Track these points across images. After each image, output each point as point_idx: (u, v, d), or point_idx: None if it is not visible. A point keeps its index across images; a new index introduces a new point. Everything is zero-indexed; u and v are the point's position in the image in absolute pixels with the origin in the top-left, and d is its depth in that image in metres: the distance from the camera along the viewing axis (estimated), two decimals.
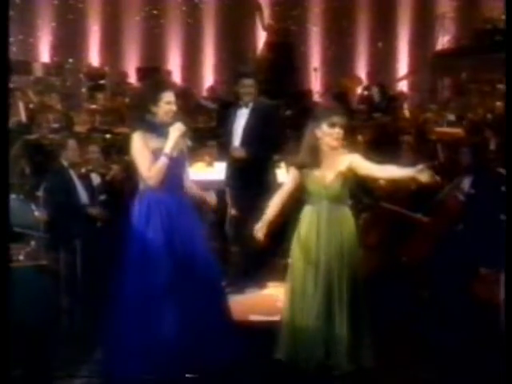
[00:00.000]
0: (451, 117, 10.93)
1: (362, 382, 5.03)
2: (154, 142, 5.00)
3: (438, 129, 10.35)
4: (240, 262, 7.44)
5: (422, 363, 5.35)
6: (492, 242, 6.05)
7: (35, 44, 13.92)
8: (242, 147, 7.19)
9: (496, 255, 5.69)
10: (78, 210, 7.11)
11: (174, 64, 14.23)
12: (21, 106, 10.46)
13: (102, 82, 13.24)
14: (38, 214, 6.86)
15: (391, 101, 12.09)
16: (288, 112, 10.96)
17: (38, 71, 13.21)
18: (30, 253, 6.31)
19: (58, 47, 13.87)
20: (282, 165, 7.46)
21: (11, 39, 11.82)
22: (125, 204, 5.32)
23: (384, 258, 6.89)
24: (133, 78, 13.64)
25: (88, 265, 6.63)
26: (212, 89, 13.44)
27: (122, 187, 7.53)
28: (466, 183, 6.98)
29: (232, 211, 7.49)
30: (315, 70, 13.98)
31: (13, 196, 6.50)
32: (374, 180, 6.11)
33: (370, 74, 13.93)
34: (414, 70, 14.28)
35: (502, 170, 6.59)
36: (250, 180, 7.15)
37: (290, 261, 5.24)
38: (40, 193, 7.04)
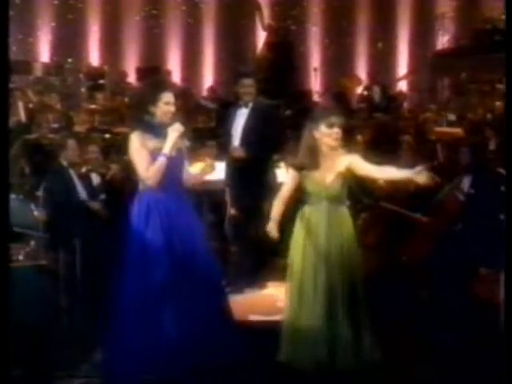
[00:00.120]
0: (451, 117, 10.95)
1: (361, 382, 5.03)
2: (153, 142, 5.00)
3: (438, 129, 10.35)
4: (240, 261, 7.43)
5: (421, 363, 5.34)
6: (492, 242, 6.05)
7: (35, 44, 13.93)
8: (241, 147, 7.19)
9: (496, 255, 5.68)
10: (78, 210, 7.11)
11: (173, 64, 14.24)
12: (20, 105, 10.46)
13: (101, 81, 13.25)
14: (38, 213, 6.86)
15: (391, 101, 12.10)
16: (288, 112, 10.97)
17: (38, 71, 13.23)
18: (29, 253, 6.32)
19: (58, 47, 13.88)
20: (282, 165, 7.46)
21: (11, 39, 11.81)
22: (124, 204, 5.31)
23: (384, 258, 6.88)
24: (132, 78, 13.65)
25: (88, 265, 6.63)
26: (212, 89, 13.45)
27: (121, 187, 7.53)
28: (466, 183, 6.97)
29: (231, 211, 7.50)
30: (315, 69, 14.00)
31: (12, 196, 6.50)
32: (374, 180, 6.10)
33: (369, 74, 13.94)
34: (413, 69, 14.29)
35: (502, 170, 6.59)
36: (250, 180, 7.16)
37: (289, 261, 5.24)
38: (40, 193, 7.04)
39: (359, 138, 8.64)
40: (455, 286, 6.29)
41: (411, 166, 5.10)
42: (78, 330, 6.02)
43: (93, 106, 12.05)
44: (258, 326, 6.11)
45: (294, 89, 12.71)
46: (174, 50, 14.37)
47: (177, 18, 14.42)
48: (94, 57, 14.15)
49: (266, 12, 13.52)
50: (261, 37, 13.55)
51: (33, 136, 9.24)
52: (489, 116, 10.81)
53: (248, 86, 7.27)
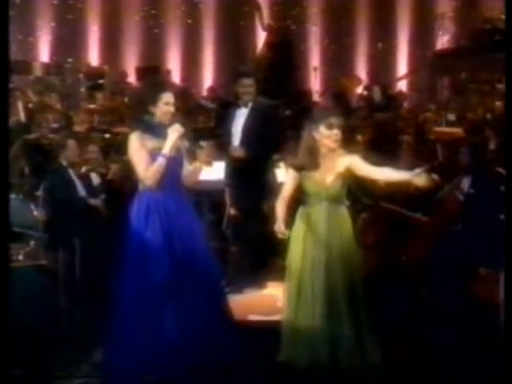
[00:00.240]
0: (451, 116, 10.94)
1: (361, 382, 5.03)
2: (152, 142, 5.00)
3: (438, 128, 10.35)
4: (239, 261, 7.44)
5: (421, 363, 5.34)
6: (491, 242, 6.05)
7: (35, 44, 13.93)
8: (241, 147, 7.19)
9: (495, 255, 5.69)
10: (78, 210, 7.11)
11: (173, 64, 14.23)
12: (20, 105, 10.46)
13: (101, 81, 13.24)
14: (38, 213, 6.86)
15: (391, 100, 12.09)
16: (287, 112, 10.96)
17: (38, 71, 13.22)
18: (29, 253, 6.33)
19: (58, 47, 13.88)
20: (282, 164, 7.46)
21: (10, 39, 11.81)
22: (124, 203, 5.31)
23: (383, 258, 6.89)
24: (132, 78, 13.65)
25: (87, 264, 6.63)
26: (211, 88, 13.45)
27: (121, 187, 7.53)
28: (466, 183, 6.97)
29: (231, 211, 7.50)
30: (315, 69, 13.99)
31: (12, 196, 6.50)
32: (374, 180, 6.10)
33: (369, 74, 13.94)
34: (413, 69, 14.29)
35: (502, 170, 6.59)
36: (250, 180, 7.16)
37: (287, 261, 5.24)
38: (39, 192, 7.05)
39: (359, 137, 8.64)
40: (455, 286, 6.29)
41: (411, 165, 5.11)
42: (78, 330, 6.02)
43: (92, 106, 12.04)
44: (257, 325, 6.11)
45: (294, 89, 12.71)
46: (173, 50, 14.37)
47: (176, 18, 14.41)
48: (94, 57, 14.15)
49: (265, 12, 13.52)
50: (260, 37, 13.55)
51: (32, 136, 9.24)
52: (488, 116, 10.80)
53: (248, 85, 7.27)
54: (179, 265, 4.95)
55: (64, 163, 7.33)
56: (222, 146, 7.82)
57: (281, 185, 5.63)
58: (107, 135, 9.97)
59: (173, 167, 5.00)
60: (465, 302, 6.16)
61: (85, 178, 7.46)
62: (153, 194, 5.00)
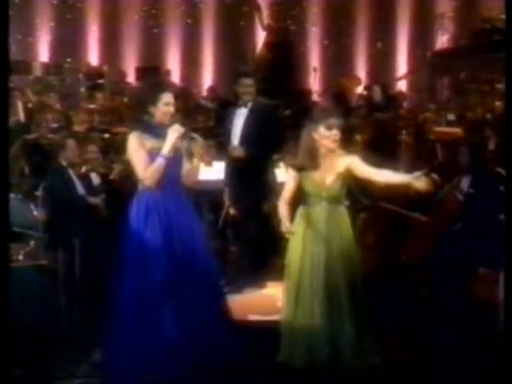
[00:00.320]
0: (450, 116, 10.94)
1: (360, 382, 5.03)
2: (151, 142, 5.00)
3: (437, 128, 10.35)
4: (239, 261, 7.44)
5: (420, 363, 5.35)
6: (491, 242, 6.05)
7: (34, 43, 13.92)
8: (240, 147, 7.19)
9: (495, 255, 5.69)
10: (77, 210, 7.11)
11: (172, 64, 14.22)
12: (19, 105, 10.46)
13: (100, 81, 13.23)
14: (37, 213, 6.86)
15: (390, 100, 12.08)
16: (287, 112, 10.96)
17: (37, 71, 13.21)
18: (29, 252, 6.33)
19: (57, 47, 13.87)
20: (281, 164, 7.46)
21: (10, 39, 11.80)
22: (124, 203, 5.31)
23: (383, 258, 6.89)
24: (132, 78, 13.64)
25: (87, 264, 6.63)
26: (211, 88, 13.44)
27: (121, 187, 7.53)
28: (465, 183, 6.97)
29: (231, 210, 7.50)
30: (314, 69, 13.98)
31: (12, 196, 6.50)
32: (373, 181, 6.11)
33: (369, 74, 13.93)
34: (413, 69, 14.28)
35: (501, 170, 6.59)
36: (249, 179, 7.16)
37: (286, 261, 5.24)
38: (39, 192, 7.06)
39: (358, 137, 8.64)
40: (454, 286, 6.30)
41: (410, 165, 5.11)
42: (78, 330, 6.02)
43: (92, 106, 12.05)
44: (257, 325, 6.11)
45: (294, 89, 12.70)
46: (173, 50, 14.36)
47: (176, 18, 14.40)
48: (94, 56, 14.14)
49: (265, 12, 13.51)
50: (260, 37, 13.54)
51: (32, 136, 9.24)
52: (488, 116, 10.80)
53: (247, 85, 7.27)
54: (179, 265, 4.96)
55: (64, 163, 7.33)
56: (221, 146, 7.82)
57: (280, 185, 5.63)
58: (107, 135, 9.97)
59: (172, 167, 5.00)
60: (464, 302, 6.16)
61: (84, 178, 7.46)
62: (152, 193, 5.00)
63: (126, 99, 12.14)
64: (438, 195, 7.01)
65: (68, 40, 13.84)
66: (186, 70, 14.31)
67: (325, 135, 5.10)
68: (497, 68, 11.17)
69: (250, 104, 7.24)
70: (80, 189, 7.30)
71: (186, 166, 5.11)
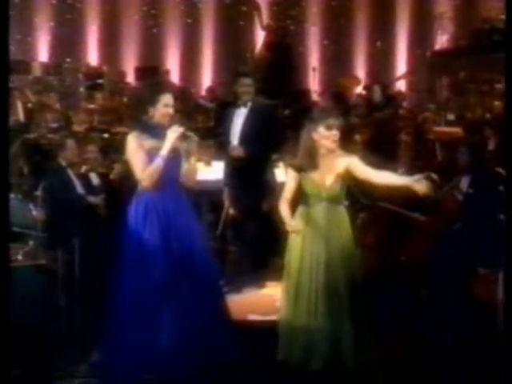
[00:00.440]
0: (450, 116, 10.94)
1: (359, 382, 5.03)
2: (149, 142, 4.99)
3: (437, 128, 10.35)
4: (238, 261, 7.44)
5: (419, 363, 5.35)
6: (490, 242, 6.06)
7: (33, 43, 13.91)
8: (240, 146, 7.19)
9: (494, 255, 5.69)
10: (77, 210, 7.11)
11: (172, 63, 14.21)
12: (19, 105, 10.46)
13: (100, 81, 13.22)
14: (37, 213, 6.87)
15: (390, 100, 12.08)
16: (286, 111, 10.95)
17: (37, 71, 13.20)
18: (28, 252, 6.33)
19: (57, 47, 13.86)
20: (281, 164, 7.46)
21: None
22: (123, 203, 5.31)
23: (382, 258, 6.89)
24: (131, 78, 13.63)
25: (86, 264, 6.63)
26: (210, 88, 13.43)
27: (120, 187, 7.53)
28: (465, 183, 6.97)
29: (230, 210, 7.50)
30: (314, 69, 13.97)
31: (11, 195, 6.50)
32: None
33: (368, 74, 13.93)
34: (412, 69, 14.27)
35: (501, 170, 6.59)
36: (249, 179, 7.16)
37: (286, 261, 5.24)
38: (38, 192, 7.06)
39: (357, 137, 8.64)
40: (453, 286, 6.30)
41: (410, 165, 5.11)
42: (78, 330, 6.02)
43: (91, 106, 12.05)
44: (256, 325, 6.11)
45: (293, 88, 12.68)
46: (172, 50, 14.35)
47: (175, 18, 14.39)
48: (93, 56, 14.13)
49: (264, 12, 13.50)
50: (259, 37, 13.52)
51: (31, 136, 9.24)
52: (488, 116, 10.80)
53: (247, 85, 7.27)
54: (178, 265, 4.95)
55: (63, 163, 7.33)
56: (221, 146, 7.82)
57: (280, 184, 5.62)
58: (106, 135, 9.97)
59: (171, 168, 5.00)
60: (463, 302, 6.16)
61: (84, 178, 7.46)
62: (151, 194, 5.00)
63: (125, 99, 12.14)
64: (437, 195, 7.01)
65: (67, 40, 13.83)
66: (185, 69, 14.30)
67: (324, 135, 5.10)
68: (496, 68, 11.17)
69: (249, 104, 7.24)
70: (79, 189, 7.30)
71: (185, 166, 5.10)
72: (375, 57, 14.49)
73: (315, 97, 13.20)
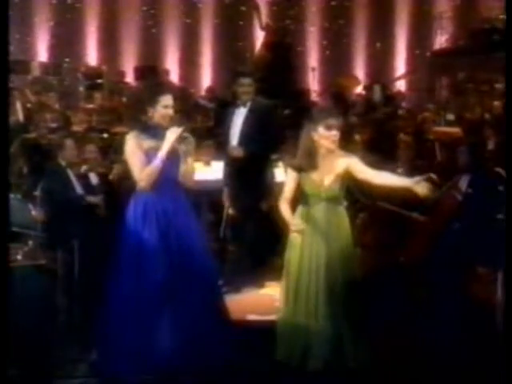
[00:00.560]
0: (449, 116, 10.94)
1: (358, 382, 5.03)
2: (148, 143, 4.99)
3: (436, 128, 10.34)
4: (237, 261, 7.44)
5: (418, 363, 5.34)
6: (489, 242, 6.05)
7: (33, 43, 13.92)
8: (239, 146, 7.19)
9: (493, 255, 5.69)
10: (76, 210, 7.11)
11: (171, 63, 14.22)
12: (18, 105, 10.44)
13: (99, 81, 13.23)
14: (36, 213, 6.87)
15: (389, 100, 12.09)
16: (286, 111, 10.95)
17: (36, 70, 13.21)
18: (27, 252, 6.33)
19: (56, 46, 13.87)
20: (280, 164, 7.46)
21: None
22: (122, 203, 5.31)
23: (381, 258, 6.88)
24: (130, 78, 13.65)
25: (86, 264, 6.63)
26: (210, 88, 13.44)
27: (120, 187, 7.53)
28: (464, 182, 6.97)
29: (230, 210, 7.50)
30: (313, 69, 13.99)
31: (10, 195, 6.50)
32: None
33: (367, 74, 13.94)
34: (412, 69, 14.28)
35: (500, 170, 6.59)
36: (248, 179, 7.15)
37: (285, 260, 5.24)
38: (38, 192, 7.06)
39: (357, 137, 8.64)
40: (452, 286, 6.29)
41: (409, 165, 5.10)
42: (77, 330, 6.02)
43: (91, 106, 12.05)
44: (255, 325, 6.11)
45: (292, 88, 12.68)
46: (172, 50, 14.36)
47: (175, 18, 14.40)
48: (92, 56, 14.14)
49: (264, 12, 13.51)
50: (259, 36, 13.54)
51: (31, 136, 9.23)
52: (487, 116, 10.80)
53: (246, 85, 7.27)
54: (177, 265, 4.95)
55: (62, 163, 7.33)
56: (220, 146, 7.82)
57: (279, 184, 5.62)
58: (105, 135, 9.96)
59: (170, 168, 5.00)
60: (463, 302, 6.16)
61: (83, 178, 7.46)
62: (150, 194, 5.00)
63: (124, 99, 12.14)
64: (436, 195, 7.01)
65: (67, 40, 13.84)
66: (184, 69, 14.31)
67: (324, 135, 5.10)
68: (496, 68, 11.18)
69: (248, 104, 7.24)
70: (79, 189, 7.30)
71: (183, 167, 5.10)
72: (375, 57, 14.50)
73: (315, 97, 13.22)
